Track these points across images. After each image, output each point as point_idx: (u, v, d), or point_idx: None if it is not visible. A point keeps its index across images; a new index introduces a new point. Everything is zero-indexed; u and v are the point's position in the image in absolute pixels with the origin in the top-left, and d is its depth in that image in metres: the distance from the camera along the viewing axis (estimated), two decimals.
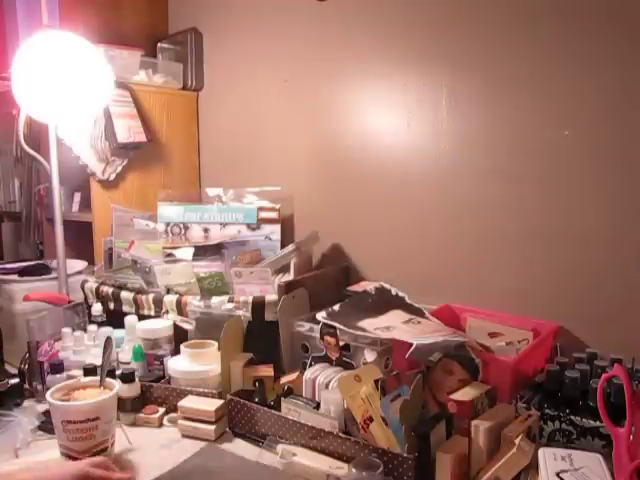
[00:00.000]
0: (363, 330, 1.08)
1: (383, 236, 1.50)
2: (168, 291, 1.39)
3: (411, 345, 0.98)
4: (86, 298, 1.49)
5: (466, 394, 0.92)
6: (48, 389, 1.00)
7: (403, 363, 1.06)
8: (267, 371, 1.18)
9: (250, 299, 1.29)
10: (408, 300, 1.25)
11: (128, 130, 1.71)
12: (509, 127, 1.25)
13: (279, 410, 1.03)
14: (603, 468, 0.76)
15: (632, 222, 1.10)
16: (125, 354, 1.26)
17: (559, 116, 1.17)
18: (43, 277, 1.54)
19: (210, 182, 1.90)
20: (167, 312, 1.35)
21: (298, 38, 1.64)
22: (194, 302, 1.32)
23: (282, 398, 1.04)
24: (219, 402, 1.09)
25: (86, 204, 1.77)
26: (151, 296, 1.37)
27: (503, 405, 0.95)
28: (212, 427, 1.06)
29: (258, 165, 1.79)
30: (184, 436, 1.08)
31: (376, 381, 0.94)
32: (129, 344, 1.27)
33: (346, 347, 1.15)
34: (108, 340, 1.10)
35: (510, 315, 1.23)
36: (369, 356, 1.11)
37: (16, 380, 1.20)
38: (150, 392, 1.18)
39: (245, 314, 1.28)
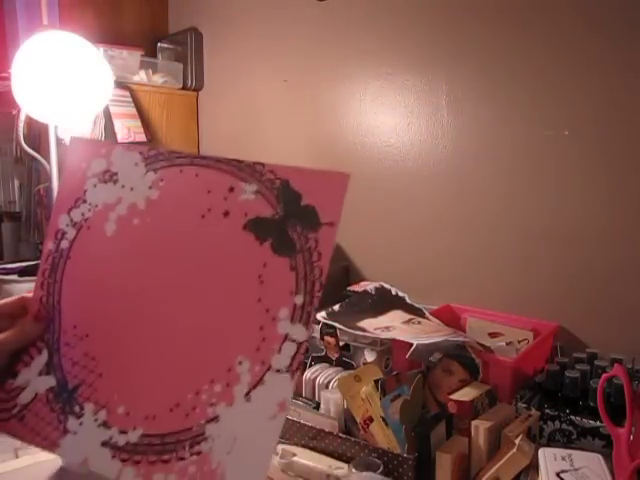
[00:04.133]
0: (363, 330, 1.08)
1: (383, 236, 1.50)
2: None
3: (411, 345, 0.98)
4: None
5: (466, 394, 0.92)
6: None
7: (403, 363, 1.06)
8: None
9: None
10: (408, 300, 1.25)
11: (128, 130, 1.72)
12: (509, 126, 1.25)
13: None
14: (603, 468, 0.76)
15: (633, 222, 1.10)
16: None
17: (559, 115, 1.17)
18: None
19: None
20: None
21: (298, 38, 1.64)
22: None
23: None
24: None
25: None
26: None
27: (503, 405, 0.95)
28: None
29: None
30: None
31: (376, 381, 0.94)
32: None
33: (346, 347, 1.15)
34: None
35: (510, 315, 1.23)
36: (369, 356, 1.11)
37: None
38: None
39: None
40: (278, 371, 0.46)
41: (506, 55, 1.23)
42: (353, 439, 0.92)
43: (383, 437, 0.90)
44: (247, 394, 0.46)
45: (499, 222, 1.28)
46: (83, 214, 0.56)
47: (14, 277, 1.52)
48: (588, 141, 1.14)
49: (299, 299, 0.47)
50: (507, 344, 1.16)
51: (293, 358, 0.46)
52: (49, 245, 0.57)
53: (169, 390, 0.49)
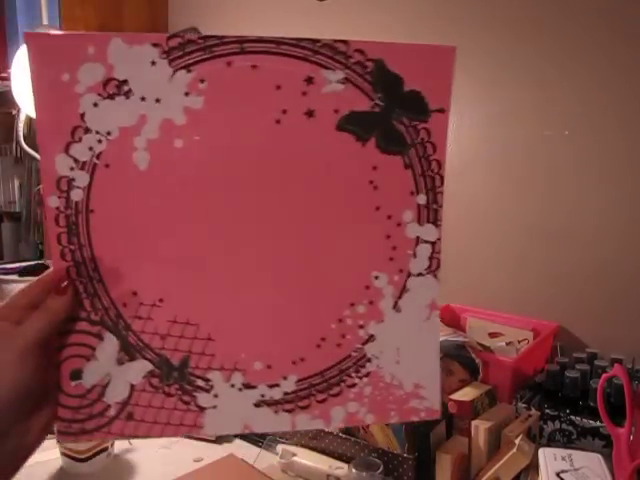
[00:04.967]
0: None
1: None
2: None
3: None
4: None
5: (466, 394, 0.92)
6: None
7: None
8: None
9: None
10: None
11: None
12: (509, 126, 1.25)
13: None
14: (603, 468, 0.76)
15: (633, 222, 1.10)
16: None
17: (560, 115, 1.17)
18: None
19: None
20: None
21: None
22: None
23: None
24: None
25: None
26: None
27: (503, 405, 0.94)
28: None
29: None
30: (184, 436, 1.08)
31: None
32: None
33: None
34: None
35: (510, 315, 1.23)
36: None
37: None
38: None
39: None
40: (419, 275, 0.45)
41: (507, 52, 1.23)
42: (353, 439, 0.92)
43: (383, 437, 0.90)
44: (395, 305, 0.45)
45: (499, 222, 1.28)
46: (91, 148, 0.41)
47: (14, 277, 1.52)
48: (591, 141, 1.14)
49: (421, 198, 0.44)
50: (507, 344, 1.16)
51: (430, 259, 0.45)
52: (52, 202, 0.41)
53: (306, 328, 0.44)
